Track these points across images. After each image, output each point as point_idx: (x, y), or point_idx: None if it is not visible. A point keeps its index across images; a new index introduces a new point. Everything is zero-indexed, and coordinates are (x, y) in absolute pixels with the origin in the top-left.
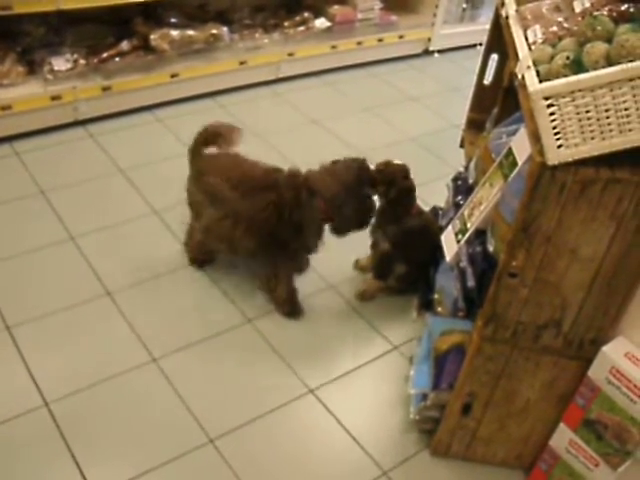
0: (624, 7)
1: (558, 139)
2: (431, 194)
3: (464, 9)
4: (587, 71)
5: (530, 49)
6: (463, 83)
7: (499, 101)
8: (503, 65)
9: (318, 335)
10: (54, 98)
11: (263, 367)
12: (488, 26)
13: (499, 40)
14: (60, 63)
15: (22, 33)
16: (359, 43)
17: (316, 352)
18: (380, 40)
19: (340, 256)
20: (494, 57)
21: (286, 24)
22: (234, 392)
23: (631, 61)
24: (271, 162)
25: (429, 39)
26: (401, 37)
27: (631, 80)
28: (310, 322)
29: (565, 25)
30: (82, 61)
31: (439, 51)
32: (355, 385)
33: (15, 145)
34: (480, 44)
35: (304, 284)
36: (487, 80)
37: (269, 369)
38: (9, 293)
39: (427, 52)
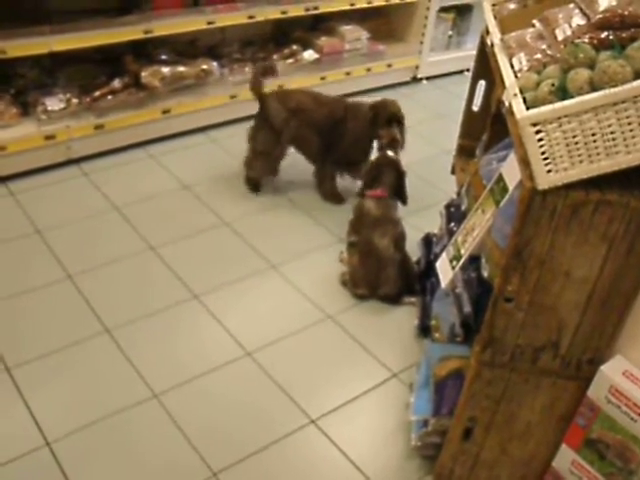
0: (604, 35)
1: (547, 164)
2: (424, 221)
3: (450, 36)
4: (572, 97)
5: (516, 77)
6: (452, 109)
7: (488, 127)
8: (491, 91)
9: (317, 365)
10: (48, 138)
11: (264, 398)
12: (474, 52)
13: (486, 67)
14: (53, 103)
15: (16, 75)
16: (348, 73)
17: (316, 382)
18: (368, 69)
19: (336, 286)
20: (482, 84)
21: (275, 57)
22: (236, 425)
23: (614, 86)
24: (267, 196)
25: (417, 67)
26: (389, 66)
27: (615, 105)
28: (309, 352)
29: (549, 52)
30: (75, 100)
31: (427, 78)
32: (356, 414)
33: (10, 185)
34: (467, 70)
35: (302, 314)
36: (476, 106)
37: (270, 400)
38: (8, 334)
39: (415, 79)
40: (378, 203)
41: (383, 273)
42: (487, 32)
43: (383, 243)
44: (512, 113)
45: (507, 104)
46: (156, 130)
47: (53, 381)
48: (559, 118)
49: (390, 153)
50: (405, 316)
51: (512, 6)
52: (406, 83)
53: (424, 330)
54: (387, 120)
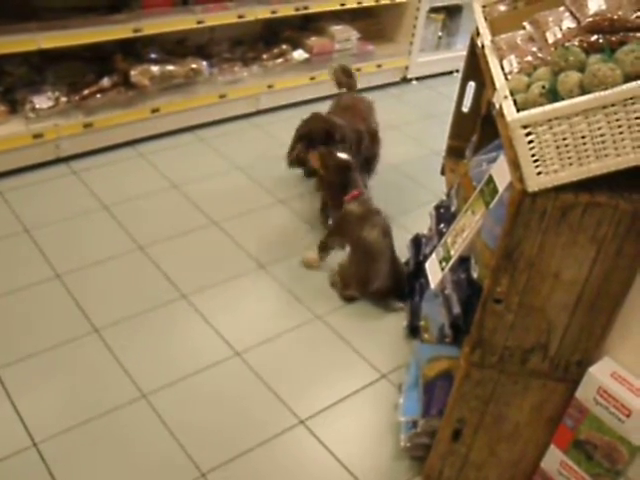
0: (593, 38)
1: (537, 166)
2: (413, 221)
3: (440, 37)
4: (562, 99)
5: (506, 79)
6: (441, 110)
7: (478, 129)
8: (480, 92)
9: (306, 365)
10: (36, 136)
11: (253, 399)
12: (464, 53)
13: (475, 68)
14: (42, 101)
15: (4, 73)
16: None
17: (305, 382)
18: (358, 70)
19: (325, 286)
20: (471, 85)
21: (265, 57)
22: (225, 425)
23: (604, 89)
24: (256, 195)
25: (407, 67)
26: (379, 66)
27: (604, 107)
28: (298, 352)
29: (539, 55)
30: (63, 99)
31: (417, 79)
32: (345, 414)
33: None
34: (457, 71)
35: (291, 315)
36: (465, 107)
37: (259, 400)
38: None
39: (405, 80)
40: (358, 201)
41: (374, 266)
42: (477, 33)
43: (373, 235)
44: (502, 115)
45: (497, 106)
46: (145, 129)
47: (41, 381)
48: (549, 120)
49: (341, 155)
50: (394, 317)
51: (502, 8)
52: (396, 83)
53: (413, 331)
54: (297, 138)
